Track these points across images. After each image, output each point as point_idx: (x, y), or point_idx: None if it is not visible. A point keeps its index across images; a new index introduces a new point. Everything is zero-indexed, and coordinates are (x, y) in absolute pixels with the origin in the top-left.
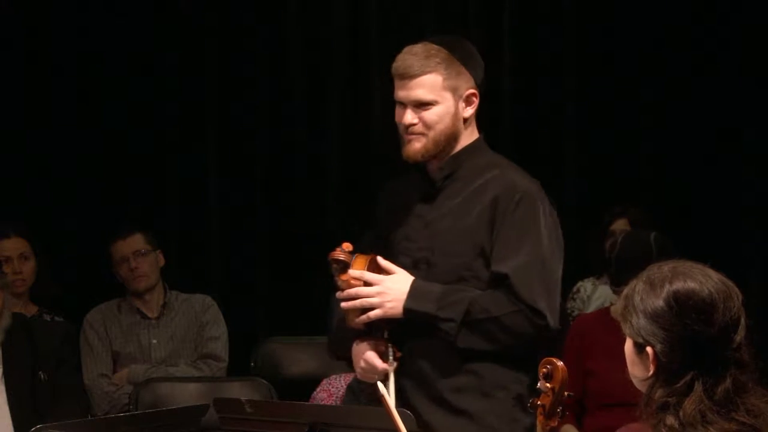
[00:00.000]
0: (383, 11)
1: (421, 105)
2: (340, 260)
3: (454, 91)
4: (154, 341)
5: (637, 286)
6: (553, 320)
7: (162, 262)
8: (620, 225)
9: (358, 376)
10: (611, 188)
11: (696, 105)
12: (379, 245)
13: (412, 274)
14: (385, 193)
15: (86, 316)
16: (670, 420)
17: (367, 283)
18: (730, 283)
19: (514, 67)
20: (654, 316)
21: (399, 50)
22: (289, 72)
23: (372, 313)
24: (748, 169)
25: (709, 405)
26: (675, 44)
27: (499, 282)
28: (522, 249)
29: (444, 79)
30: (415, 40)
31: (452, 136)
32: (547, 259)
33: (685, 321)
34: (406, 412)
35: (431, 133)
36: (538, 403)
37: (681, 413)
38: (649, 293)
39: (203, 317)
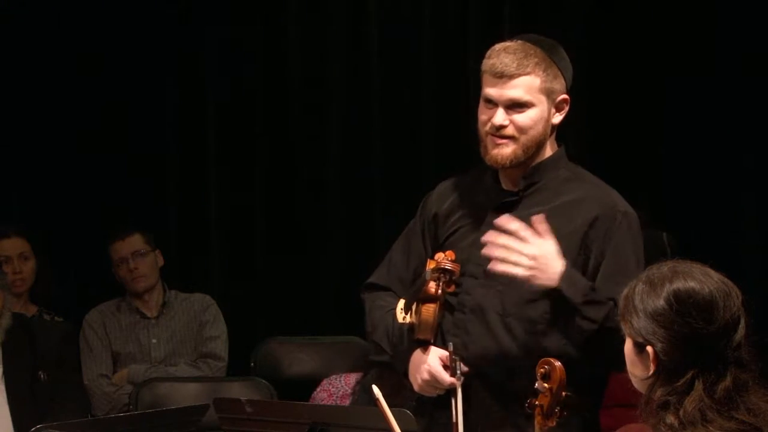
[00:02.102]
0: (383, 9)
1: (516, 106)
2: (448, 270)
3: (549, 95)
4: (154, 341)
5: (637, 287)
6: None
7: (161, 261)
8: None
9: (416, 389)
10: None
11: (696, 105)
12: (436, 250)
13: (486, 284)
14: (437, 196)
15: (85, 317)
16: (671, 419)
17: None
18: (730, 283)
19: None
20: (654, 315)
21: (397, 50)
22: (289, 77)
23: (520, 273)
24: (749, 167)
25: (709, 404)
26: (674, 43)
27: None
28: (627, 274)
29: (542, 82)
30: (414, 40)
31: (541, 143)
32: None
33: (685, 319)
34: (405, 413)
35: (523, 138)
36: (536, 403)
37: (681, 412)
38: (650, 293)
39: (203, 316)
